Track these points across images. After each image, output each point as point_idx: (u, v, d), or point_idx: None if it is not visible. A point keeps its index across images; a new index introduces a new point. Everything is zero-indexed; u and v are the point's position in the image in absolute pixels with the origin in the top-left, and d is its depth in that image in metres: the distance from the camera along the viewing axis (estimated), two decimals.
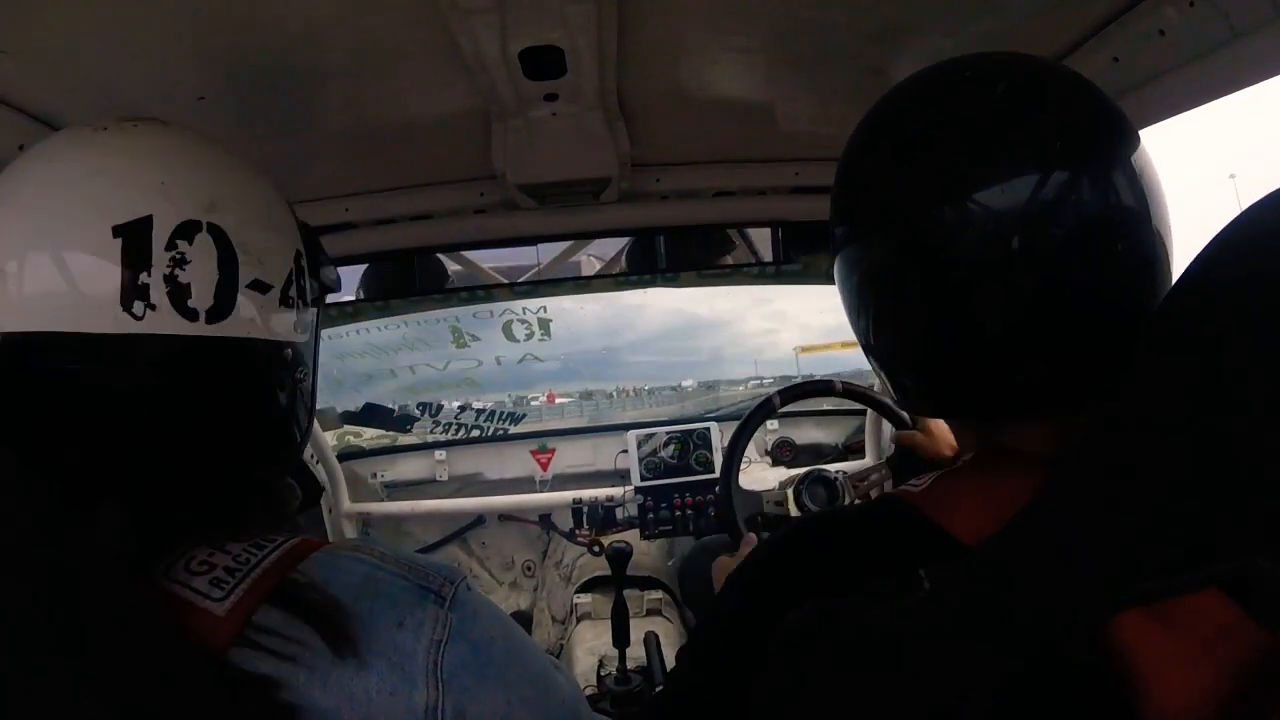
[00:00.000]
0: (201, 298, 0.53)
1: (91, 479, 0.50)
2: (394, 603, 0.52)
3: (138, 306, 0.51)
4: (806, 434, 2.20)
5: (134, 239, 0.51)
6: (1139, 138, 0.52)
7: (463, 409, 2.56)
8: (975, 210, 0.49)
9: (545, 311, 2.58)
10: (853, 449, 2.11)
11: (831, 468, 1.54)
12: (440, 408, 2.54)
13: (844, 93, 1.07)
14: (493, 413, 2.51)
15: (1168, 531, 0.37)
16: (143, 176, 0.53)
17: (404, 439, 2.44)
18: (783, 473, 1.83)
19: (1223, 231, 0.39)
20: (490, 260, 2.33)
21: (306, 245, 0.63)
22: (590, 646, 1.77)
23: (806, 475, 1.51)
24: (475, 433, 2.50)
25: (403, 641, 0.51)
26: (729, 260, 2.12)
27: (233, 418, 0.57)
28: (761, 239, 2.15)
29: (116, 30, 0.82)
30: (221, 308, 0.54)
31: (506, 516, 2.20)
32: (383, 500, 2.19)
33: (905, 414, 1.54)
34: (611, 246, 2.36)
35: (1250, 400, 0.36)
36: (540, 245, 2.24)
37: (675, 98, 1.14)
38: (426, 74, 1.01)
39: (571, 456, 2.25)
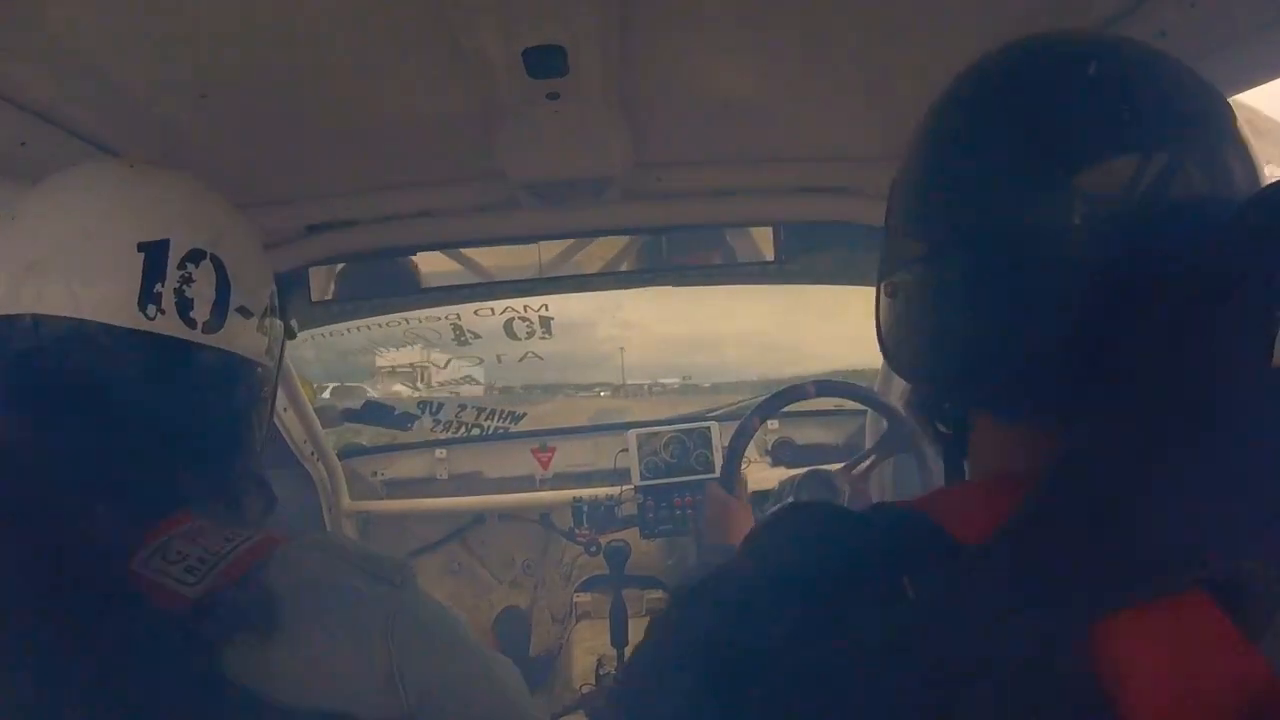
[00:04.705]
0: (200, 311, 0.64)
1: (84, 457, 0.58)
2: (352, 582, 0.62)
3: (150, 309, 0.62)
4: (807, 434, 2.20)
5: (154, 256, 0.62)
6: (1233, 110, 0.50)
7: (463, 407, 2.56)
8: (1084, 195, 0.47)
9: (547, 310, 2.58)
10: (853, 448, 2.12)
11: (832, 467, 1.54)
12: (441, 405, 2.54)
13: (847, 92, 1.07)
14: (493, 411, 2.51)
15: (1156, 534, 0.37)
16: (165, 208, 0.65)
17: (404, 437, 2.44)
18: (783, 473, 1.83)
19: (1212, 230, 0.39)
20: (491, 259, 2.33)
21: (278, 290, 0.76)
22: (589, 646, 1.77)
23: (807, 475, 1.51)
24: (476, 431, 2.50)
25: (361, 614, 0.61)
26: (730, 259, 2.12)
27: (209, 414, 0.67)
28: (763, 238, 2.15)
29: (119, 28, 0.82)
30: (215, 323, 0.65)
31: (506, 515, 2.20)
32: (382, 499, 2.19)
33: (894, 407, 1.54)
34: (612, 245, 2.36)
35: (1236, 401, 0.36)
36: (541, 244, 2.23)
37: (677, 97, 1.14)
38: (429, 72, 1.01)
39: (572, 455, 2.25)
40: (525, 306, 2.56)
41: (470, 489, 2.25)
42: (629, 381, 3.49)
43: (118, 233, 0.62)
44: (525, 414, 2.58)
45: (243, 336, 0.68)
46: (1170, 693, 0.37)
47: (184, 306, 0.63)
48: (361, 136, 1.18)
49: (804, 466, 1.60)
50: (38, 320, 0.60)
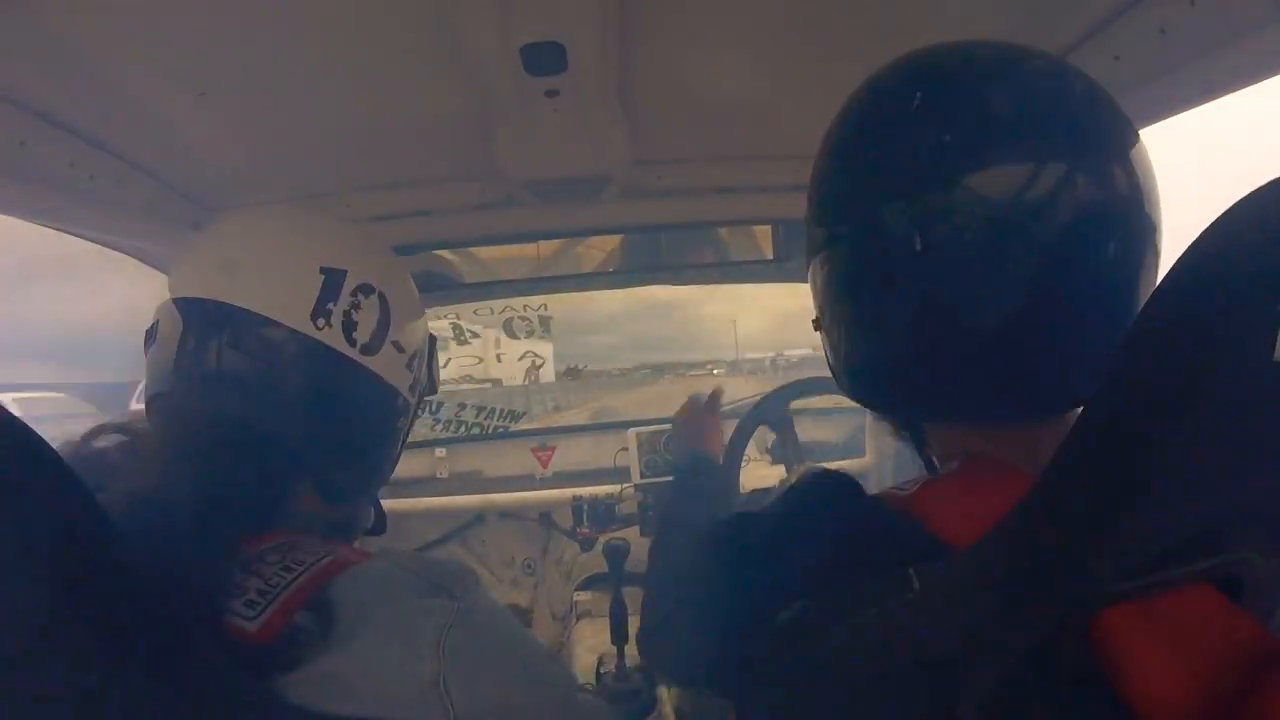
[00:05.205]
0: (362, 335, 0.73)
1: (226, 446, 0.65)
2: (410, 594, 0.64)
3: (319, 321, 0.71)
4: (807, 432, 2.20)
5: (332, 280, 0.72)
6: (1137, 133, 0.53)
7: (462, 406, 2.56)
8: (969, 198, 0.50)
9: (546, 309, 2.58)
10: (853, 446, 2.12)
11: (831, 466, 1.54)
12: (440, 405, 2.54)
13: (846, 89, 1.07)
14: (493, 410, 2.51)
15: (1157, 527, 0.37)
16: (349, 245, 0.76)
17: None
18: (782, 471, 1.83)
19: (1210, 227, 0.39)
20: (489, 257, 2.33)
21: (429, 346, 0.86)
22: (590, 644, 1.77)
23: (806, 474, 1.51)
24: (475, 430, 2.50)
25: (415, 622, 0.62)
26: (730, 257, 2.12)
27: (347, 430, 0.75)
28: (763, 235, 2.15)
29: (116, 24, 0.82)
30: (372, 346, 0.74)
31: (506, 514, 2.20)
32: (382, 498, 2.19)
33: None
34: (611, 244, 2.36)
35: (1235, 396, 0.36)
36: (540, 242, 2.24)
37: (677, 94, 1.14)
38: (427, 70, 1.01)
39: (572, 454, 2.24)
40: (525, 305, 2.55)
41: (470, 488, 2.25)
42: (745, 356, 3.31)
43: (305, 253, 0.73)
44: (525, 413, 2.58)
45: (393, 368, 0.76)
46: (1177, 677, 0.37)
47: (349, 327, 0.72)
48: (359, 134, 1.18)
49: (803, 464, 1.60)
50: (219, 305, 0.69)
